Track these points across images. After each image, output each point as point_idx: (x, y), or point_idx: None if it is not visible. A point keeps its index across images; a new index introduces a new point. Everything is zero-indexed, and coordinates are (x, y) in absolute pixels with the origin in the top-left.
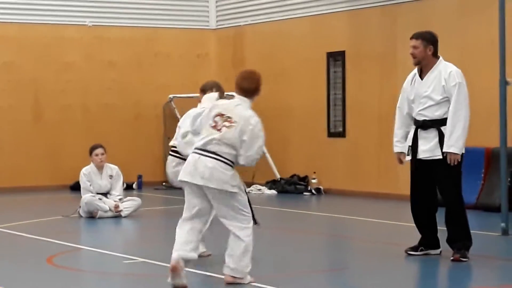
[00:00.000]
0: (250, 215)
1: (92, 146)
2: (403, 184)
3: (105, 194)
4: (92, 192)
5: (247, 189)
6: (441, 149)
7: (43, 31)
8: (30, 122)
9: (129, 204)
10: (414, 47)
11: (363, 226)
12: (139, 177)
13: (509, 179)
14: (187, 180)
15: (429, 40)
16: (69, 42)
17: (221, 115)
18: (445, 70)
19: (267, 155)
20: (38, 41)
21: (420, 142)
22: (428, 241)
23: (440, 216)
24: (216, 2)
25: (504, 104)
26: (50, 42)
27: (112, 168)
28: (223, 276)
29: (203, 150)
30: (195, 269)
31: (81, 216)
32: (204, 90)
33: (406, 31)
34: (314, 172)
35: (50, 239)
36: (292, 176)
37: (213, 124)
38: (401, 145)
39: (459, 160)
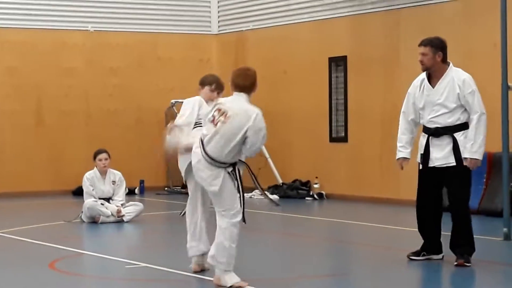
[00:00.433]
0: (233, 212)
1: (96, 151)
2: (404, 189)
3: (108, 200)
4: (94, 197)
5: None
6: (455, 155)
7: (46, 36)
8: (33, 127)
9: (131, 209)
10: (423, 54)
11: (365, 231)
12: (141, 182)
13: (511, 184)
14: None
15: (438, 46)
16: (71, 48)
17: (219, 110)
18: (458, 77)
19: (269, 160)
20: (41, 46)
21: (432, 150)
22: (431, 246)
23: (443, 222)
24: (218, 7)
25: (506, 109)
26: (53, 47)
27: (115, 174)
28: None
29: (201, 142)
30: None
31: (83, 221)
32: (203, 84)
33: (409, 36)
34: (316, 177)
35: (52, 244)
36: (294, 181)
37: (212, 119)
38: (405, 151)
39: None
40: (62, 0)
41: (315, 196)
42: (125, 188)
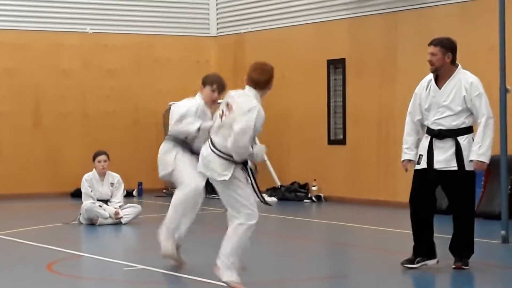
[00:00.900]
0: (249, 211)
1: (95, 153)
2: (402, 191)
3: (106, 202)
4: (93, 198)
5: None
6: (457, 160)
7: (44, 38)
8: (30, 129)
9: (129, 211)
10: (432, 54)
11: (363, 233)
12: (139, 184)
13: (509, 186)
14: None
15: (448, 47)
16: (69, 49)
17: (227, 104)
18: (465, 80)
19: (267, 162)
20: (39, 48)
21: (435, 152)
22: (425, 248)
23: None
24: (217, 9)
25: (504, 111)
26: (51, 49)
27: (114, 176)
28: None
29: (210, 136)
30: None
31: (81, 223)
32: (204, 83)
33: (407, 39)
34: (315, 180)
35: (50, 246)
36: (293, 184)
37: (221, 113)
38: (410, 153)
39: (474, 171)
40: (60, 2)
41: (313, 198)
42: (124, 190)
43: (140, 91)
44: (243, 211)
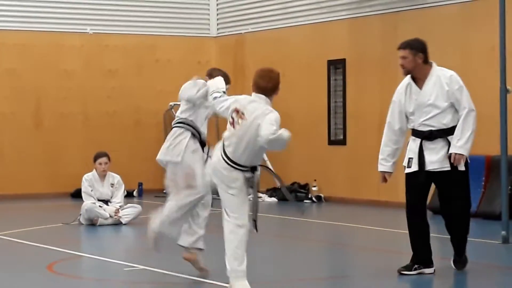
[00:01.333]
0: (245, 220)
1: (96, 154)
2: (402, 192)
3: (106, 202)
4: (93, 197)
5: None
6: (450, 159)
7: (45, 38)
8: (31, 129)
9: (130, 211)
10: (403, 57)
11: (363, 234)
12: (140, 184)
13: (509, 187)
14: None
15: (418, 48)
16: (70, 50)
17: (237, 111)
18: (443, 75)
19: (268, 162)
20: (39, 48)
21: (426, 153)
22: (423, 256)
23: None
24: (217, 10)
25: (505, 111)
26: (52, 49)
27: (114, 177)
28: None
29: (223, 143)
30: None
31: (81, 224)
32: (211, 75)
33: (407, 39)
34: (315, 180)
35: (50, 246)
36: (293, 184)
37: (231, 120)
38: (386, 164)
39: (466, 168)
40: (61, 3)
41: (314, 199)
42: (124, 191)
43: (141, 92)
44: (236, 220)
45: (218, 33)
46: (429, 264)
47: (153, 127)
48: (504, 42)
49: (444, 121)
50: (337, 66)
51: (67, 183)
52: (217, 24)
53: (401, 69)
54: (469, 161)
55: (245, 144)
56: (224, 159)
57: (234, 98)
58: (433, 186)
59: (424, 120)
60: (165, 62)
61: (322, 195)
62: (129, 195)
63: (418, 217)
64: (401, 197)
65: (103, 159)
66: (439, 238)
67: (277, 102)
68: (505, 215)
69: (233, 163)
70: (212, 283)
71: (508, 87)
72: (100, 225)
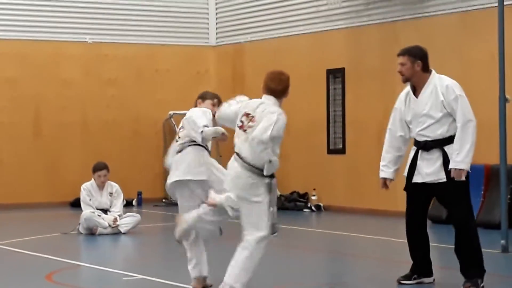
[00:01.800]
0: (267, 230)
1: (96, 166)
2: (401, 201)
3: (105, 211)
4: (92, 207)
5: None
6: (446, 170)
7: (44, 47)
8: (30, 138)
9: (129, 220)
10: (401, 64)
11: (363, 243)
12: (139, 193)
13: (509, 196)
14: (226, 187)
15: (416, 55)
16: (69, 59)
17: (247, 114)
18: (440, 84)
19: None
20: (39, 57)
21: (422, 164)
22: (422, 266)
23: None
24: (216, 19)
25: (504, 120)
26: (51, 58)
27: (112, 186)
28: None
29: (235, 152)
30: None
31: (80, 233)
32: (204, 98)
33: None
34: (314, 189)
35: (49, 256)
36: (292, 193)
37: (240, 124)
38: (387, 170)
39: (466, 178)
40: (60, 12)
41: (313, 208)
42: (123, 200)
43: (140, 101)
44: (255, 231)
45: (217, 42)
46: (429, 274)
47: (152, 136)
48: (504, 51)
49: (439, 132)
50: (336, 75)
51: (66, 193)
52: (216, 33)
53: (400, 76)
54: (470, 171)
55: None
56: (244, 166)
57: (239, 105)
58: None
59: (420, 130)
60: (164, 71)
61: (321, 204)
62: (128, 204)
63: (416, 228)
64: (400, 206)
65: (103, 172)
66: (438, 247)
67: None
68: (505, 224)
69: (253, 167)
70: None
71: (507, 96)
72: (99, 235)
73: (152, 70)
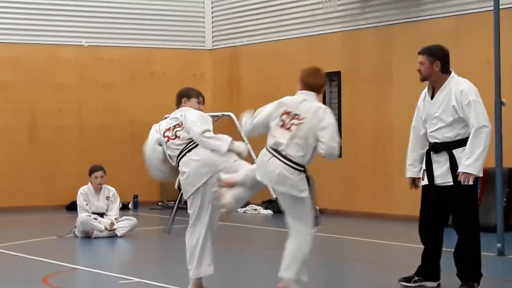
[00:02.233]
0: (312, 222)
1: (92, 168)
2: (397, 204)
3: (102, 215)
4: (88, 211)
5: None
6: (453, 174)
7: (40, 51)
8: (26, 142)
9: (125, 223)
10: (420, 63)
11: (359, 246)
12: (135, 197)
13: (505, 199)
14: (260, 178)
15: (436, 55)
16: (65, 62)
17: (288, 113)
18: (456, 88)
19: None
20: (34, 61)
21: (432, 166)
22: (427, 271)
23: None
24: (212, 22)
25: (500, 124)
26: (47, 62)
27: (109, 190)
28: None
29: (274, 150)
30: None
31: (76, 236)
32: (189, 96)
33: (402, 52)
34: None
35: (45, 259)
36: None
37: (281, 123)
38: (413, 169)
39: (474, 183)
40: (56, 15)
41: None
42: (119, 204)
43: (136, 104)
44: (305, 224)
45: (213, 46)
46: (435, 279)
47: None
48: (499, 55)
49: (448, 135)
50: (332, 78)
51: (62, 196)
52: (212, 37)
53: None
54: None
55: (308, 144)
56: (287, 165)
57: (266, 108)
58: None
59: (431, 132)
60: (160, 74)
61: (317, 208)
62: (124, 207)
63: (428, 232)
64: (396, 209)
65: (99, 173)
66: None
67: None
68: (500, 228)
69: (297, 165)
70: None
71: (503, 99)
72: (95, 238)
73: (148, 73)
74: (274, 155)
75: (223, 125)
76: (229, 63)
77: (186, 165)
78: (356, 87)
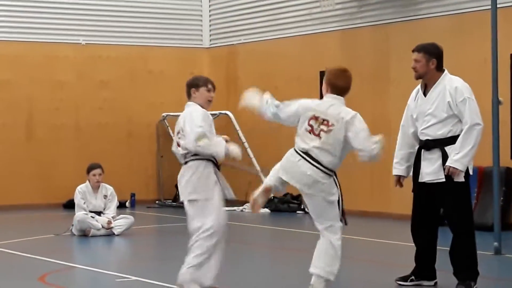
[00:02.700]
0: (340, 222)
1: (90, 166)
2: (395, 203)
3: (99, 213)
4: (85, 210)
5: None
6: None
7: (37, 49)
8: (23, 140)
9: (122, 222)
10: (416, 60)
11: (356, 245)
12: (132, 195)
13: (502, 198)
14: (286, 179)
15: (432, 52)
16: (63, 61)
17: (316, 118)
18: (450, 85)
19: (260, 174)
20: (32, 59)
21: (423, 164)
22: (423, 271)
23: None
24: (210, 21)
25: (497, 123)
26: (44, 60)
27: (107, 188)
28: None
29: (304, 153)
30: None
31: (73, 234)
32: (197, 86)
33: (398, 50)
34: None
35: (42, 257)
36: (285, 195)
37: (309, 129)
38: (400, 167)
39: (466, 180)
40: (54, 14)
41: (306, 209)
42: (117, 202)
43: (134, 103)
44: (333, 227)
45: (211, 44)
46: (431, 278)
47: (145, 138)
48: (496, 54)
49: (440, 132)
50: None
51: (59, 194)
52: (210, 35)
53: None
54: (471, 173)
55: (338, 149)
56: (321, 170)
57: (298, 104)
58: None
59: (423, 129)
60: (157, 73)
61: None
62: (121, 206)
63: (419, 230)
64: (393, 208)
65: (97, 171)
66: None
67: None
68: (497, 227)
69: (327, 169)
70: None
71: (500, 98)
72: (92, 236)
73: (146, 71)
74: (304, 158)
75: (221, 124)
76: (226, 62)
77: (182, 177)
78: (353, 85)
